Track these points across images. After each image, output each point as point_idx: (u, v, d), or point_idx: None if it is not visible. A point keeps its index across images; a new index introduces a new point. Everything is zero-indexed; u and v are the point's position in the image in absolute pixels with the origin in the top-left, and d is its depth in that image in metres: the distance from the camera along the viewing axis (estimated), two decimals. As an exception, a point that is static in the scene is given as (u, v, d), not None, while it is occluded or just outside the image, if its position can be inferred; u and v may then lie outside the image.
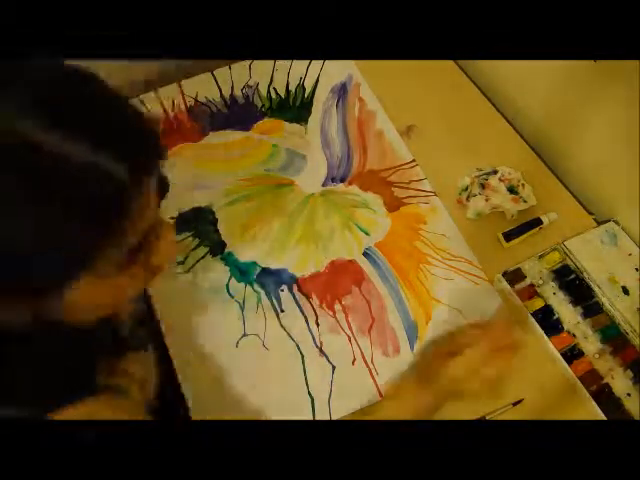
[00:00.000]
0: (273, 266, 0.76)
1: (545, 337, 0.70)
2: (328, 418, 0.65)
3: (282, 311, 0.72)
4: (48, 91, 0.34)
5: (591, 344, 0.70)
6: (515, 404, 0.66)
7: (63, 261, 0.35)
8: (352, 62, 0.97)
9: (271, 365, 0.69)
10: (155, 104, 0.91)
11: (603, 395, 0.66)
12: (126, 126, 0.37)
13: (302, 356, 0.69)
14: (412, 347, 0.70)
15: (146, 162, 0.37)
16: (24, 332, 0.38)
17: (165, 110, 0.91)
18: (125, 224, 0.36)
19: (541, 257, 0.76)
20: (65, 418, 0.39)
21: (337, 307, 0.73)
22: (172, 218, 0.79)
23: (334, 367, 0.69)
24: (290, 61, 0.97)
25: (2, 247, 0.32)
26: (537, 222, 0.79)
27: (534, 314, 0.72)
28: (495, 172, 0.82)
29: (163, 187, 0.41)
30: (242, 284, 0.74)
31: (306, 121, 0.91)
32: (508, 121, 0.91)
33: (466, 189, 0.81)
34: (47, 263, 0.34)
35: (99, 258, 0.36)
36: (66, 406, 0.40)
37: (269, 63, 0.97)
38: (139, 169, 0.36)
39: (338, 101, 0.93)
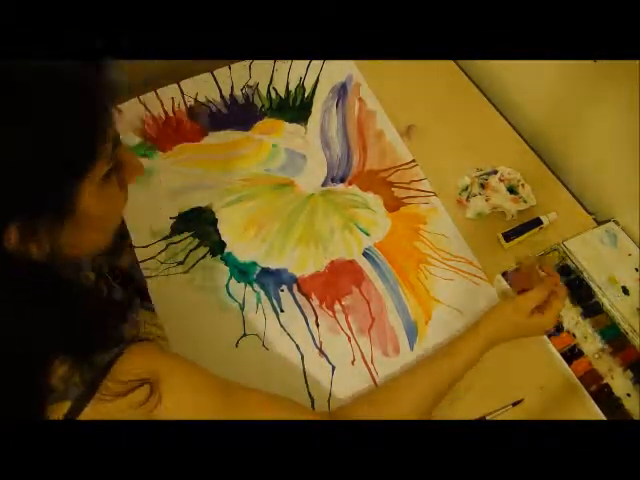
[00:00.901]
0: (273, 266, 0.76)
1: (545, 337, 0.70)
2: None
3: (282, 311, 0.72)
4: None
5: (591, 344, 0.70)
6: (515, 404, 0.66)
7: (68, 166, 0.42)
8: (352, 62, 0.97)
9: (271, 365, 0.69)
10: (155, 104, 0.91)
11: (603, 395, 0.66)
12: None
13: (302, 356, 0.69)
14: (412, 347, 0.70)
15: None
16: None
17: (165, 110, 0.91)
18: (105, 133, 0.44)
19: (541, 257, 0.76)
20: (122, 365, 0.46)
21: (337, 307, 0.73)
22: (172, 218, 0.79)
23: (334, 367, 0.69)
24: (290, 61, 0.97)
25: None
26: (537, 222, 0.79)
27: (534, 314, 0.72)
28: (495, 172, 0.82)
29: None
30: (242, 284, 0.74)
31: (306, 121, 0.91)
32: (508, 121, 0.91)
33: (466, 189, 0.81)
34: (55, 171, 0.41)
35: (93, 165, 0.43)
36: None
37: (269, 63, 0.97)
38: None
39: (338, 101, 0.93)
